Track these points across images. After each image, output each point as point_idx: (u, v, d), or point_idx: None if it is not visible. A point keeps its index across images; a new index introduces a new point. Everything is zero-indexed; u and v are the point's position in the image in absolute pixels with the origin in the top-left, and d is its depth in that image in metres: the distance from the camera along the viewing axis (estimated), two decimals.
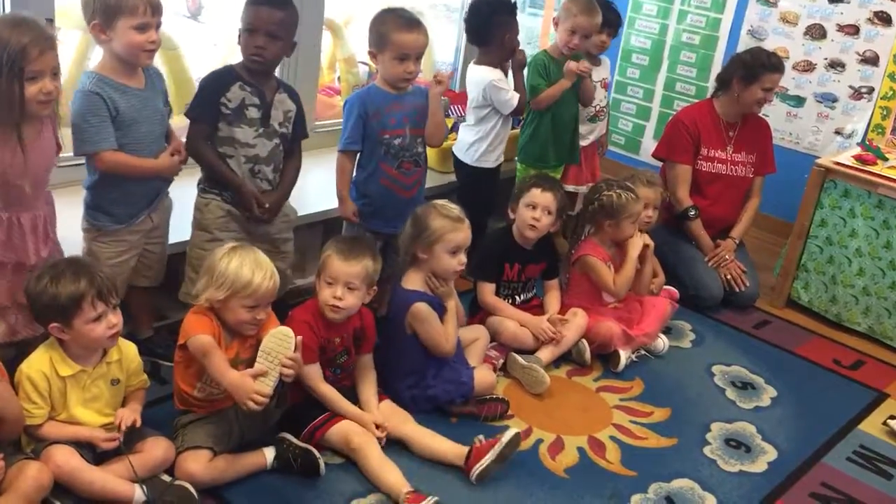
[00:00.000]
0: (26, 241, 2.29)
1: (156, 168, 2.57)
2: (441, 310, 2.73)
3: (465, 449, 2.47)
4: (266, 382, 2.23)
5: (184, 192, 2.77)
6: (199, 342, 2.27)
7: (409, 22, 2.84)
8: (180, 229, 2.82)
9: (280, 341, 2.25)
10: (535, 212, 3.07)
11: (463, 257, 2.73)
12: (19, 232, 2.27)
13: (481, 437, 2.50)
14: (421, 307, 2.66)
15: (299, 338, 2.28)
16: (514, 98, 3.39)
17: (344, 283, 2.46)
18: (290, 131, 2.79)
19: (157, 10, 2.42)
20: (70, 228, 2.57)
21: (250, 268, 2.29)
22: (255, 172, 2.71)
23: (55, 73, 2.16)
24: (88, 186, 2.56)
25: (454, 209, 2.74)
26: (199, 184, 2.77)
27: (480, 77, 3.40)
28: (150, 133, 2.53)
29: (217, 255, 2.33)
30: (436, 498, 2.28)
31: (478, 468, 2.42)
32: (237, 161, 2.68)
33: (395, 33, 2.81)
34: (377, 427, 2.50)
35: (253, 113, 2.67)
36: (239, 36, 2.65)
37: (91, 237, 2.58)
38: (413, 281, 2.73)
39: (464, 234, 2.71)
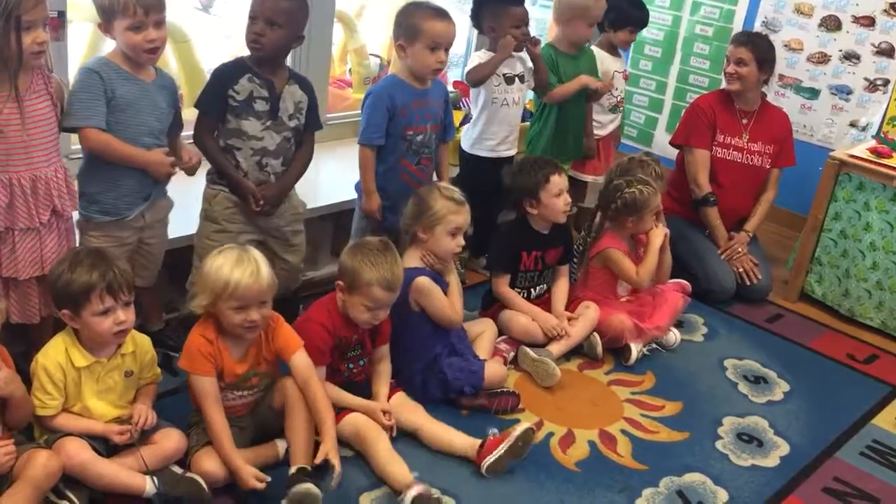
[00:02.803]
0: (28, 202, 2.27)
1: (144, 159, 2.50)
2: (443, 284, 2.75)
3: (477, 441, 2.47)
4: None
5: (188, 188, 2.76)
6: (199, 387, 2.24)
7: (441, 12, 2.89)
8: (188, 222, 2.80)
9: None
10: (564, 196, 3.07)
11: (461, 239, 2.76)
12: (21, 192, 2.25)
13: (495, 430, 2.49)
14: (423, 280, 2.68)
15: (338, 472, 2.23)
16: (469, 65, 3.35)
17: (387, 305, 2.50)
18: (303, 123, 2.76)
19: (151, 9, 2.37)
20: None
21: (230, 266, 2.19)
22: (262, 165, 2.69)
23: (45, 25, 2.19)
24: (79, 173, 2.54)
25: (456, 191, 2.79)
26: (208, 174, 2.74)
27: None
28: (143, 124, 2.49)
29: (209, 258, 2.28)
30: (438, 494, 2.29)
31: (489, 460, 2.42)
32: (244, 153, 2.66)
33: (428, 23, 2.83)
34: (385, 414, 2.51)
35: (261, 106, 2.64)
36: None
37: (83, 229, 2.56)
38: (411, 259, 2.75)
39: (464, 216, 2.75)
